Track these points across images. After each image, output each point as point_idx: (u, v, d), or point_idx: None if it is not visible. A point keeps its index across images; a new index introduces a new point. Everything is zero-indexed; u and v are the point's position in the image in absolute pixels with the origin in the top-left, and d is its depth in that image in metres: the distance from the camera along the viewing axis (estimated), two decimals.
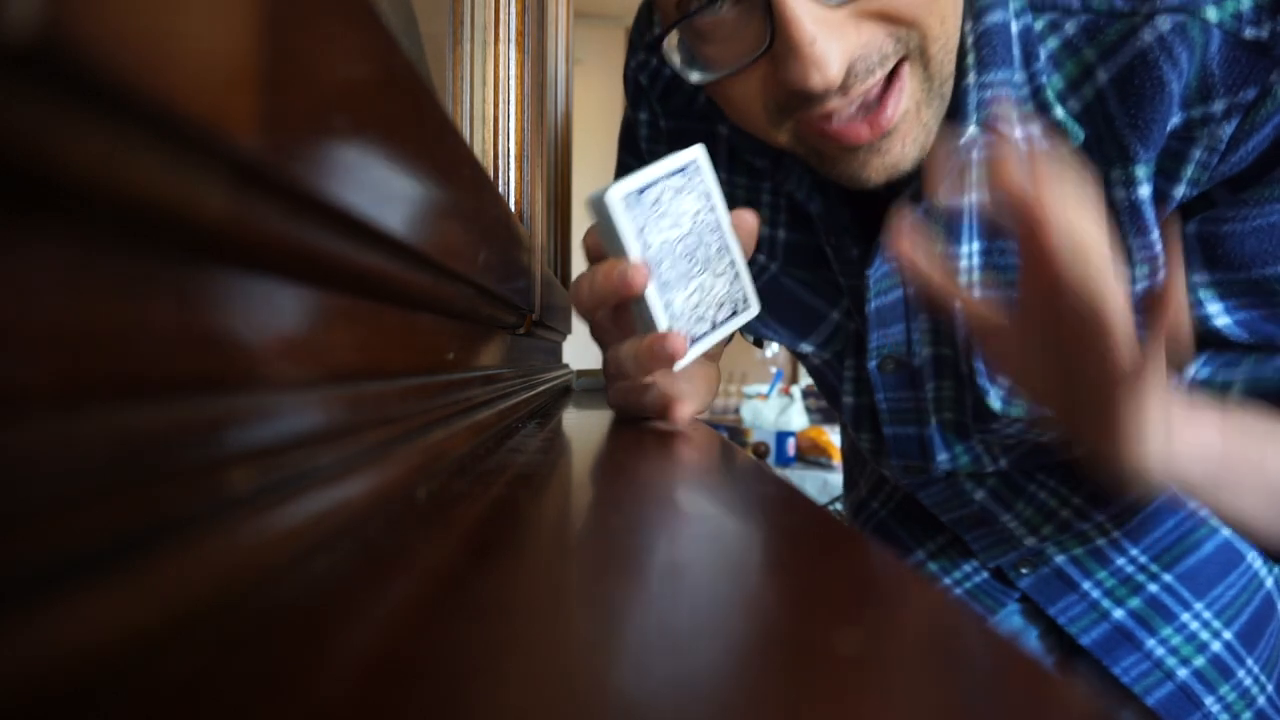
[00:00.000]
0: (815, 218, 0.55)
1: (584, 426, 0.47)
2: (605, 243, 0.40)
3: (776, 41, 0.40)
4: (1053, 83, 0.47)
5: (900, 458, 0.62)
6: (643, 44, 0.63)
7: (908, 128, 0.43)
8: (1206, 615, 0.61)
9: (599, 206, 0.38)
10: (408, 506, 0.20)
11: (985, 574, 0.67)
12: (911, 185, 0.49)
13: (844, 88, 0.41)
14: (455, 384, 0.31)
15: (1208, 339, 0.49)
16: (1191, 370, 0.49)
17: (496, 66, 0.53)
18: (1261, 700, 0.61)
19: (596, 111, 3.35)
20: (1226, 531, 0.62)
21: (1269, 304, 0.46)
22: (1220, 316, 0.48)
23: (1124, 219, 0.47)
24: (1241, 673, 0.61)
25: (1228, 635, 0.61)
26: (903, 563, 0.17)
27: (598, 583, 0.16)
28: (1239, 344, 0.48)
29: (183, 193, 0.11)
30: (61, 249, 0.10)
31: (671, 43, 0.45)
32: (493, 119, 0.53)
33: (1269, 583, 0.63)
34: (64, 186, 0.09)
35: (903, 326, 0.55)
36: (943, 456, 0.60)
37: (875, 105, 0.42)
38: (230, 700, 0.10)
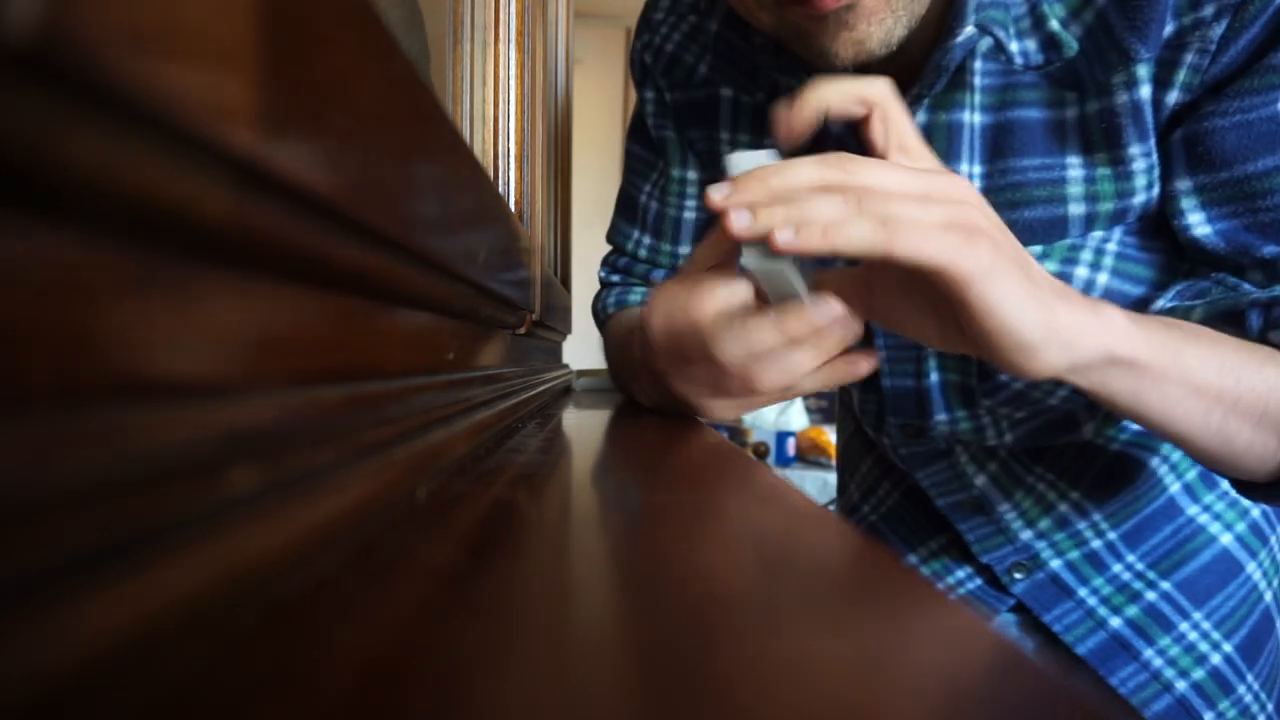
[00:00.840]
0: (832, 141, 0.55)
1: (584, 426, 0.47)
2: (775, 293, 0.41)
3: None
4: (1054, 11, 0.48)
5: (898, 415, 0.62)
6: (648, 26, 0.66)
7: (873, 6, 0.44)
8: (1205, 626, 0.60)
9: (771, 274, 0.39)
10: (408, 506, 0.20)
11: (979, 580, 0.67)
12: (909, 91, 0.49)
13: None
14: (455, 384, 0.31)
15: (1187, 251, 0.50)
16: (1159, 302, 0.50)
17: (496, 66, 0.53)
18: (1262, 718, 0.60)
19: (596, 111, 3.34)
20: (1225, 540, 0.61)
21: (1249, 209, 0.47)
22: (1200, 226, 0.48)
23: (1126, 123, 0.48)
24: (1242, 689, 0.60)
25: (1227, 648, 0.60)
26: (904, 564, 0.17)
27: (597, 583, 0.16)
28: (1215, 257, 0.48)
29: (183, 193, 0.11)
30: (61, 249, 0.10)
31: None
32: (493, 119, 0.53)
33: (1268, 597, 0.63)
34: (64, 186, 0.09)
35: None
36: (941, 416, 0.60)
37: None
38: (230, 700, 0.10)
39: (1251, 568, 0.62)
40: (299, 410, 0.16)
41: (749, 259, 0.39)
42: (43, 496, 0.09)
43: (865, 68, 0.47)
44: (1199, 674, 0.60)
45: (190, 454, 0.12)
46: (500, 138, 0.53)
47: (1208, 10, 0.45)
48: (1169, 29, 0.46)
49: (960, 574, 0.68)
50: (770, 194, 0.36)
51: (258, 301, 0.15)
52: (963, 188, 0.37)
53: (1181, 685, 0.60)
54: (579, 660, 0.12)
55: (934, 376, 0.59)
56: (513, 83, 0.53)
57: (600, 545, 0.19)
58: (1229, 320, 0.46)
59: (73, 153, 0.09)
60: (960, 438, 0.62)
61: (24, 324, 0.09)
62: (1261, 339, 0.45)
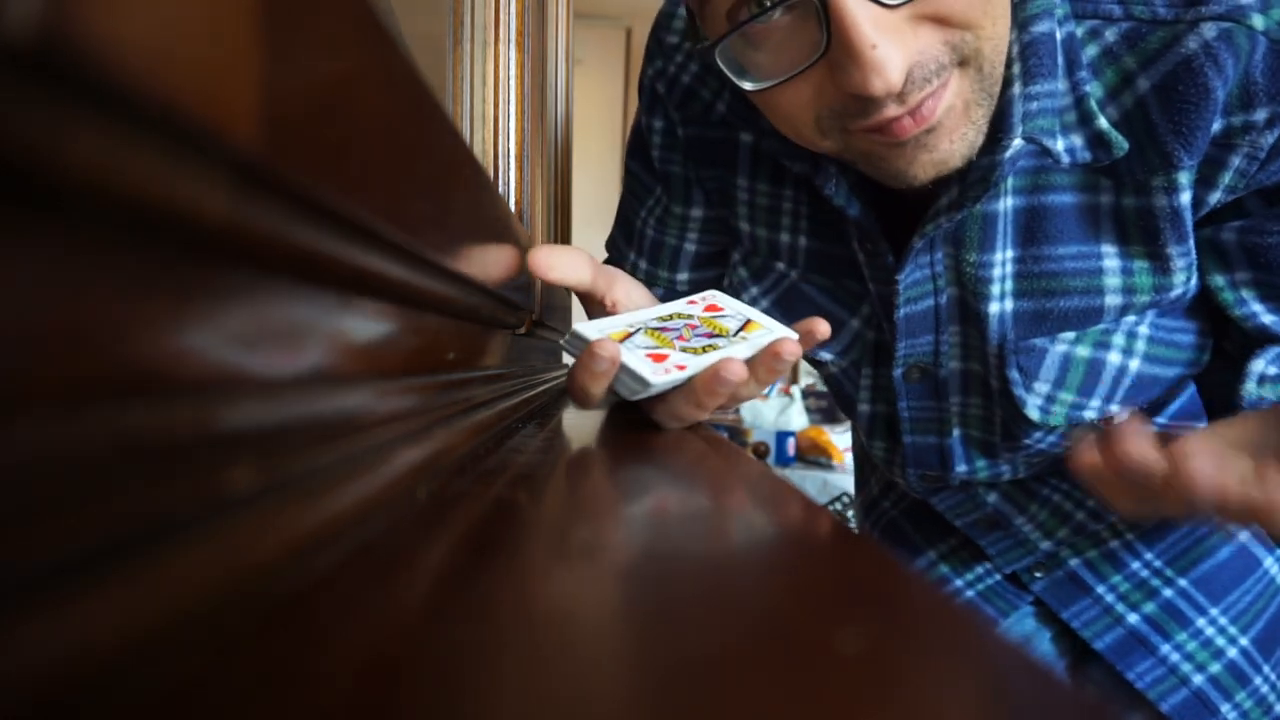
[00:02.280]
0: (851, 222, 0.53)
1: (584, 426, 0.47)
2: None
3: (834, 47, 0.39)
4: (1092, 90, 0.47)
5: (918, 467, 0.62)
6: (661, 51, 0.62)
7: (953, 124, 0.42)
8: (1222, 621, 0.61)
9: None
10: (408, 506, 0.20)
11: (998, 576, 0.67)
12: (948, 192, 0.48)
13: (902, 95, 0.40)
14: (456, 384, 0.31)
15: (1251, 334, 0.50)
16: (1256, 363, 0.50)
17: (496, 66, 0.53)
18: (1279, 709, 0.60)
19: (596, 111, 3.35)
20: (1243, 536, 0.62)
21: None
22: (1267, 315, 0.49)
23: (1164, 225, 0.47)
24: (1259, 680, 0.60)
25: (1244, 641, 0.60)
26: (905, 564, 0.17)
27: (597, 583, 0.16)
28: None
29: (183, 193, 0.11)
30: (61, 249, 0.10)
31: (723, 52, 0.44)
32: (493, 119, 0.53)
33: None
34: (64, 186, 0.09)
35: (932, 338, 0.55)
36: (961, 468, 0.60)
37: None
38: (230, 700, 0.10)
39: (1269, 562, 0.62)
40: (299, 410, 0.16)
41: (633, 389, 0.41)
42: (43, 496, 0.09)
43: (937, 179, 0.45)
44: (1215, 668, 0.60)
45: (190, 454, 0.12)
46: (500, 138, 0.53)
47: (1259, 115, 0.43)
48: (1217, 126, 0.44)
49: (979, 570, 0.68)
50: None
51: (257, 302, 0.15)
52: None
53: (1198, 679, 0.60)
54: (579, 660, 0.12)
55: (956, 433, 0.59)
56: (513, 83, 0.53)
57: (600, 544, 0.19)
58: None
59: (73, 153, 0.09)
60: (978, 480, 0.63)
61: (24, 324, 0.09)
62: None
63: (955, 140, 0.43)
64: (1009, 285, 0.51)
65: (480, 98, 0.53)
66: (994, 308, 0.51)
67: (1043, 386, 0.52)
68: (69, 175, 0.09)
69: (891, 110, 0.40)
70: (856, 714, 0.10)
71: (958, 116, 0.42)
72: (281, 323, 0.17)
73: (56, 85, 0.08)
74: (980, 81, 0.42)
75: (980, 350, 0.54)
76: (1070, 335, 0.51)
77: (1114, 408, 0.52)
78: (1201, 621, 0.61)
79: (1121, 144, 0.46)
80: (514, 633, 0.13)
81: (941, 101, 0.41)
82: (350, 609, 0.13)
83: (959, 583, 0.68)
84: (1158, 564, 0.62)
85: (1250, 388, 0.50)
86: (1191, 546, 0.61)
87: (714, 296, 0.49)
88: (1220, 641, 0.60)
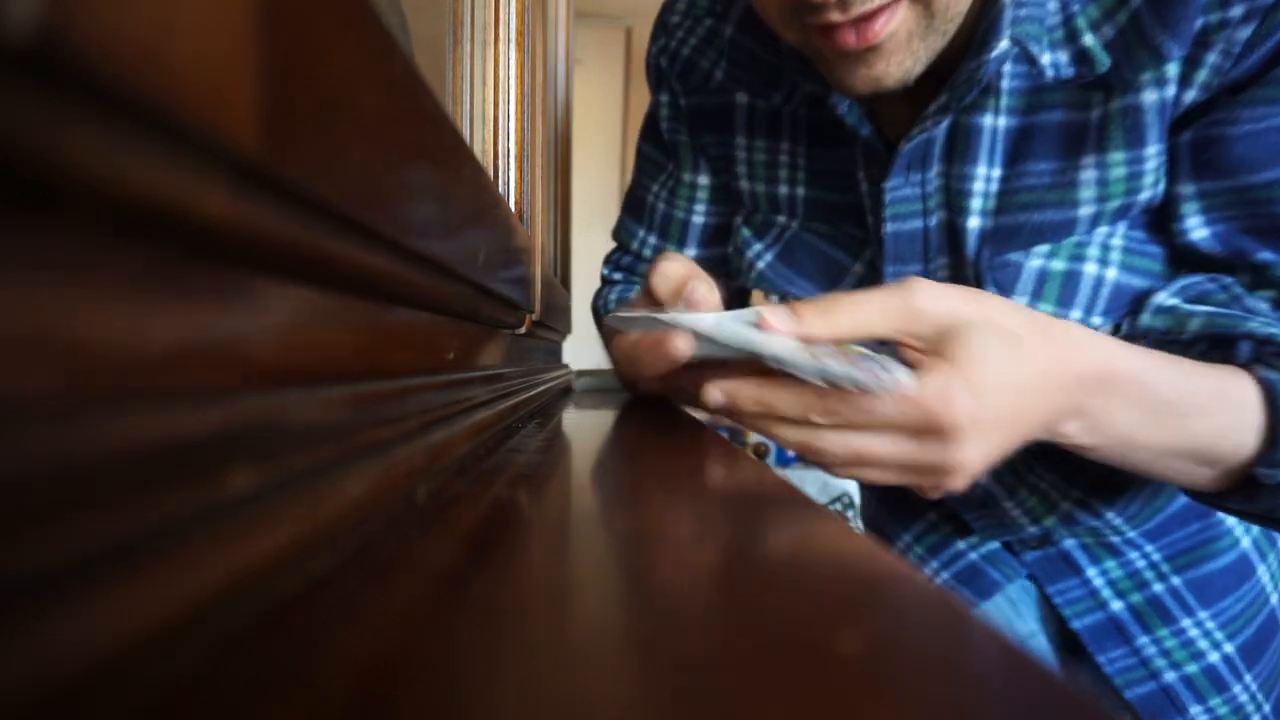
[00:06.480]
0: (860, 145, 0.56)
1: (584, 426, 0.47)
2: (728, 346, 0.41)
3: None
4: (1088, 13, 0.48)
5: None
6: (665, 30, 0.67)
7: (894, 49, 0.45)
8: (1209, 625, 0.60)
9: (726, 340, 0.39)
10: (408, 506, 0.20)
11: (996, 544, 0.67)
12: (937, 100, 0.50)
13: (844, 4, 0.42)
14: (455, 384, 0.31)
15: (1180, 252, 0.51)
16: (1160, 295, 0.50)
17: (496, 66, 0.53)
18: (1256, 719, 0.60)
19: (596, 111, 3.34)
20: (1245, 543, 0.62)
21: (1249, 214, 0.47)
22: (1198, 229, 0.49)
23: (1151, 120, 0.48)
24: (1238, 688, 0.60)
25: (1229, 648, 0.60)
26: (903, 562, 0.17)
27: (597, 583, 0.16)
28: (1208, 259, 0.49)
29: (183, 193, 0.11)
30: (61, 249, 0.10)
31: None
32: (493, 119, 0.53)
33: (1274, 599, 0.63)
34: (64, 186, 0.09)
35: (920, 267, 0.56)
36: None
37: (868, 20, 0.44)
38: (230, 700, 0.10)
39: (1261, 570, 0.62)
40: (299, 410, 0.16)
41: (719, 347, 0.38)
42: (43, 497, 0.09)
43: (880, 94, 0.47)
44: (1191, 669, 0.60)
45: (190, 454, 0.12)
46: (500, 138, 0.53)
47: (1236, 11, 0.45)
48: (1196, 25, 0.46)
49: (973, 538, 0.67)
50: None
51: (257, 302, 0.15)
52: (950, 453, 0.36)
53: (1170, 675, 0.60)
54: (578, 660, 0.12)
55: None
56: (513, 83, 0.53)
57: (600, 545, 0.19)
58: (1220, 343, 0.47)
59: (72, 153, 0.09)
60: None
61: (24, 324, 0.09)
62: (1244, 367, 0.45)
63: (892, 65, 0.46)
64: (991, 203, 0.52)
65: (480, 98, 0.53)
66: (972, 223, 0.53)
67: (1020, 300, 0.53)
68: (68, 175, 0.09)
69: (834, 15, 0.43)
70: (855, 713, 0.10)
71: (898, 44, 0.45)
72: (281, 322, 0.17)
73: (56, 85, 0.08)
74: (930, 20, 0.45)
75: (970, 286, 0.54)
76: (1045, 249, 0.52)
77: (1096, 320, 0.52)
78: (1187, 622, 0.61)
79: (1103, 60, 0.48)
80: (513, 633, 0.13)
81: (886, 27, 0.44)
82: (350, 609, 0.13)
83: (962, 544, 0.67)
84: (1156, 557, 0.62)
85: (1145, 318, 0.49)
86: (1195, 547, 0.61)
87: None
88: (1203, 645, 0.60)
